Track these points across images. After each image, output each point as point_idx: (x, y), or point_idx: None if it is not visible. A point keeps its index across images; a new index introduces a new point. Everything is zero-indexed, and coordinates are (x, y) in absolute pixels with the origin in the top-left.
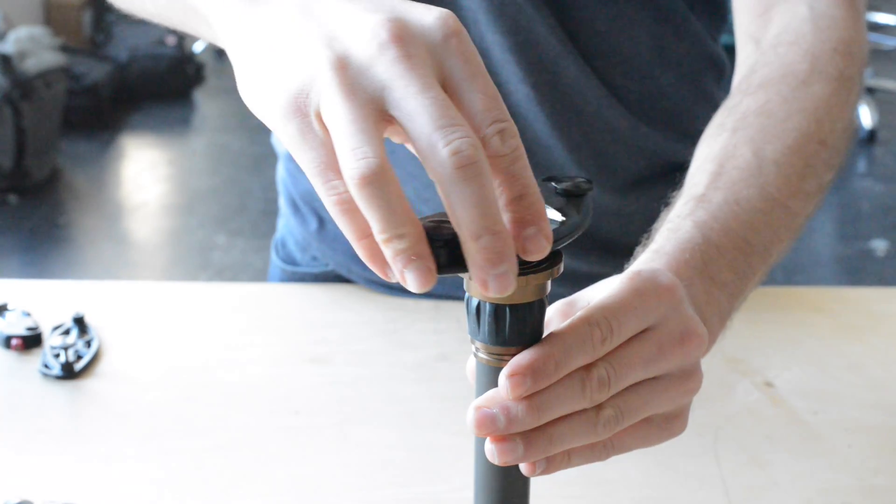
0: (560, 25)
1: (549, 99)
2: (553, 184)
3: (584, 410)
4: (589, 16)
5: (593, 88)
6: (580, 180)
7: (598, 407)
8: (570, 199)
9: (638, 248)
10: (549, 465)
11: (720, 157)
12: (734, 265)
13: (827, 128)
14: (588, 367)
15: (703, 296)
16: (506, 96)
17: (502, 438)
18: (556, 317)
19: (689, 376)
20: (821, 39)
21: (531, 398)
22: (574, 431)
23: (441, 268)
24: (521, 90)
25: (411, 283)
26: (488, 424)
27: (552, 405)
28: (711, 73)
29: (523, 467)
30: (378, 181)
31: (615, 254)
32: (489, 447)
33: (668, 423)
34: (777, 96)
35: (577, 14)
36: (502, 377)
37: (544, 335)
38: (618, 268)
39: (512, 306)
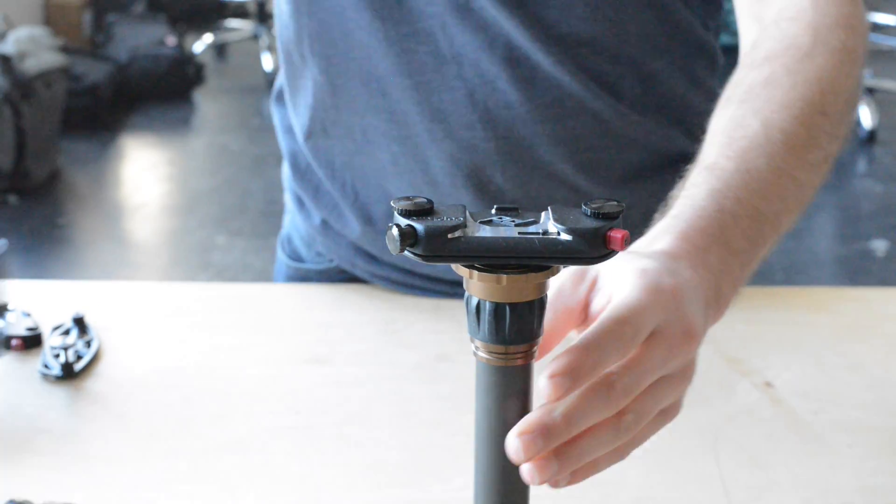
0: (527, 18)
1: (529, 94)
2: (584, 206)
3: (607, 419)
4: (565, 4)
5: (574, 80)
6: (611, 203)
7: (620, 413)
8: (599, 219)
9: (656, 216)
10: (575, 475)
11: (728, 128)
12: (747, 233)
13: (830, 99)
14: (610, 376)
15: (718, 264)
16: (488, 95)
17: (539, 458)
18: (568, 281)
19: (687, 370)
20: (822, 14)
21: (566, 412)
22: (600, 441)
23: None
24: (500, 87)
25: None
26: (532, 448)
27: (583, 416)
28: (703, 60)
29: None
30: None
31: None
32: (527, 469)
33: (671, 411)
34: (781, 68)
35: (551, 5)
36: (543, 380)
37: (556, 303)
38: None
39: (512, 305)
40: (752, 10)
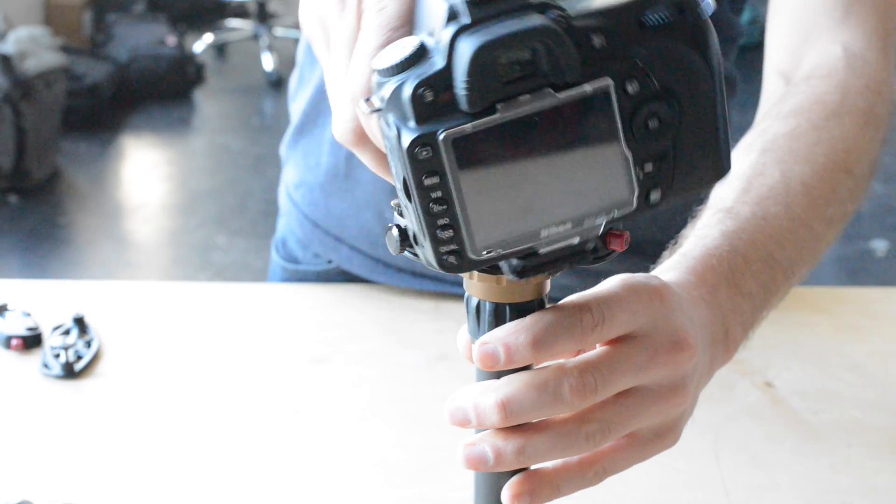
0: None
1: None
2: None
3: (564, 423)
4: None
5: None
6: None
7: (581, 420)
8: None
9: (665, 254)
10: (534, 495)
11: (748, 174)
12: (759, 278)
13: (854, 158)
14: (566, 368)
15: (728, 303)
16: None
17: (473, 444)
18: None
19: (678, 389)
20: (854, 75)
21: (502, 397)
22: (552, 444)
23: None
24: None
25: None
26: (459, 418)
27: (522, 407)
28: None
29: (506, 499)
30: None
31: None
32: (459, 452)
33: (658, 438)
34: (807, 123)
35: None
36: (475, 346)
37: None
38: (626, 263)
39: (512, 305)
40: (781, 66)
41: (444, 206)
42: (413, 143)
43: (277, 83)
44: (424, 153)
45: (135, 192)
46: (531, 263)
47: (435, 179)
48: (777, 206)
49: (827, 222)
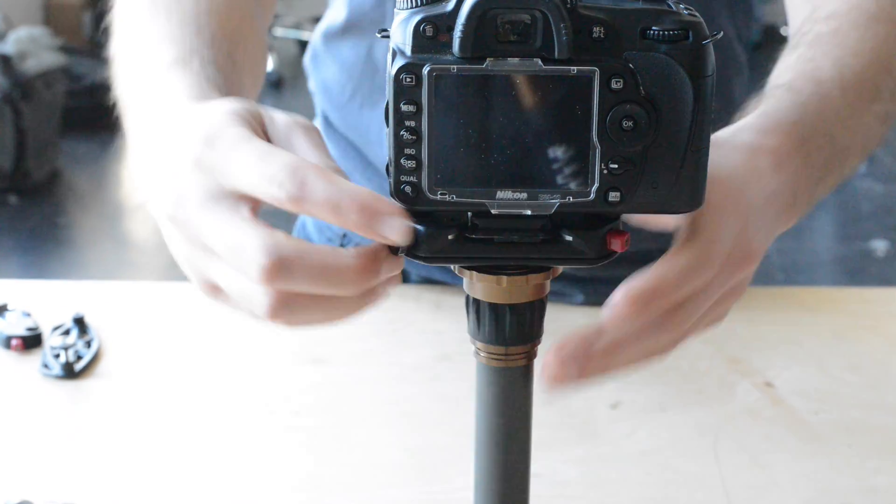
0: None
1: None
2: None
3: (643, 335)
4: None
5: None
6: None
7: (660, 329)
8: None
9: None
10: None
11: (798, 64)
12: (822, 153)
13: (895, 62)
14: (670, 306)
15: (801, 171)
16: None
17: (559, 362)
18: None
19: (740, 285)
20: None
21: (608, 342)
22: (632, 357)
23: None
24: None
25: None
26: (560, 373)
27: (626, 349)
28: (737, 78)
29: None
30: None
31: (642, 238)
32: (543, 368)
33: (713, 317)
34: (848, 24)
35: None
36: (621, 295)
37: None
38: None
39: (512, 306)
40: None
41: (414, 138)
42: (400, 69)
43: (277, 83)
44: (408, 80)
45: (135, 192)
46: (482, 224)
47: (411, 108)
48: (834, 89)
49: (874, 117)
